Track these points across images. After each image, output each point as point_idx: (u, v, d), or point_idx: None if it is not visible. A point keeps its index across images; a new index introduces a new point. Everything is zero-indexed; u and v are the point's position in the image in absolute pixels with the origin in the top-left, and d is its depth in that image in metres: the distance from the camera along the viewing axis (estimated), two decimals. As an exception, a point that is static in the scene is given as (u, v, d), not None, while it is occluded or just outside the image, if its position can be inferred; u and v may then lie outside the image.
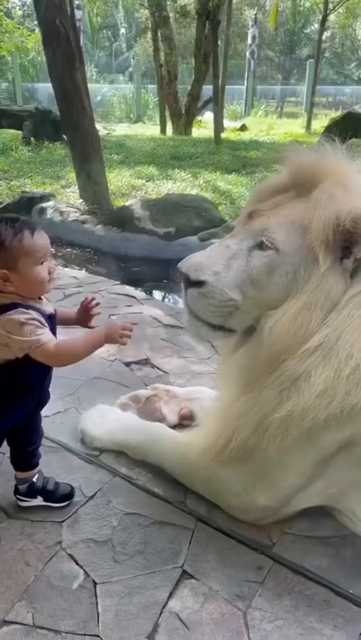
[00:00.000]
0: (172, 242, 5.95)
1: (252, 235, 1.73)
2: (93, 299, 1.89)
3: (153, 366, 3.04)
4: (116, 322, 1.75)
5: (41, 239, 1.63)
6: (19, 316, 1.58)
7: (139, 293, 4.17)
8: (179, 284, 1.84)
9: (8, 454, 2.20)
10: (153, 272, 5.70)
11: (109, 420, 2.40)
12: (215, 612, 1.66)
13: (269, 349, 1.64)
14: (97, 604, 1.68)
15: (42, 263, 1.63)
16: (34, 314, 1.61)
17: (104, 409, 2.47)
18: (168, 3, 15.94)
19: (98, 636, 1.58)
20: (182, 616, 1.64)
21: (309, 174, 1.71)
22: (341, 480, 1.86)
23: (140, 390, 2.68)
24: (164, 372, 3.00)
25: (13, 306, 1.59)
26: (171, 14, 16.41)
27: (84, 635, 1.58)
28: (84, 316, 1.88)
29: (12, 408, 1.77)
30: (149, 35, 19.51)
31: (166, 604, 1.68)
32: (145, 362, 3.08)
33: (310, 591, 1.73)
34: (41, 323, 1.61)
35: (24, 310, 1.59)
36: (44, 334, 1.60)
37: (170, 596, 1.70)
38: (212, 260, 1.73)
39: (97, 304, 1.90)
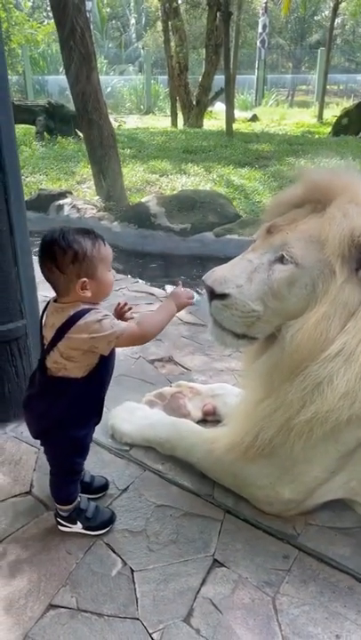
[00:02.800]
0: (187, 238, 6.05)
1: (273, 249, 1.83)
2: (126, 304, 1.99)
3: (176, 364, 3.16)
4: (177, 292, 1.90)
5: (109, 247, 1.75)
6: (93, 316, 1.65)
7: (158, 291, 4.28)
8: (203, 294, 1.95)
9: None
10: (170, 268, 5.80)
11: (137, 417, 2.52)
12: (246, 597, 1.78)
13: (291, 356, 1.75)
14: (135, 589, 1.80)
15: (110, 270, 1.75)
16: (104, 311, 1.70)
17: (132, 406, 2.59)
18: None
19: (138, 619, 1.70)
20: (215, 601, 1.76)
21: (324, 191, 1.82)
22: (362, 474, 1.97)
23: (165, 387, 2.80)
24: (187, 369, 3.11)
25: (85, 310, 1.67)
26: (182, 5, 16.35)
27: (125, 618, 1.71)
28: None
29: (92, 417, 1.91)
30: (159, 25, 19.50)
31: (200, 590, 1.80)
32: (168, 359, 3.20)
33: (334, 578, 1.85)
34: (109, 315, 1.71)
35: (96, 310, 1.68)
36: (122, 323, 1.70)
37: (203, 583, 1.82)
38: (234, 274, 1.84)
39: (130, 309, 2.00)
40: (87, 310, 1.67)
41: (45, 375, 1.77)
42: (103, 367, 1.80)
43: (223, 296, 1.83)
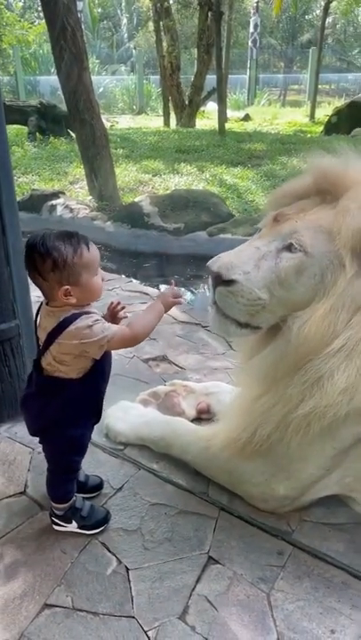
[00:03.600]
0: (181, 237, 6.06)
1: (281, 237, 1.80)
2: (119, 303, 1.98)
3: (170, 362, 3.16)
4: (165, 292, 1.85)
5: (95, 251, 1.69)
6: (83, 322, 1.63)
7: (152, 290, 4.28)
8: (207, 281, 1.92)
9: (38, 449, 2.34)
10: (164, 268, 5.81)
11: (132, 416, 2.52)
12: (241, 593, 1.79)
13: (297, 349, 1.73)
14: (130, 587, 1.80)
15: (97, 274, 1.70)
16: (95, 315, 1.67)
17: (126, 405, 2.59)
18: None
19: (133, 617, 1.71)
20: (210, 598, 1.77)
21: (335, 182, 1.79)
22: (356, 470, 1.98)
23: (159, 386, 2.80)
24: (181, 367, 3.11)
25: (75, 316, 1.64)
26: (173, 5, 16.36)
27: (121, 616, 1.71)
28: (111, 320, 1.97)
29: (90, 416, 1.90)
30: (151, 25, 19.50)
31: (195, 587, 1.80)
32: (162, 358, 3.20)
33: (329, 574, 1.85)
34: (104, 318, 1.70)
35: (86, 315, 1.65)
36: (112, 327, 1.67)
37: (198, 580, 1.83)
38: (242, 260, 1.80)
39: (122, 308, 1.99)
40: (77, 315, 1.64)
41: (41, 375, 1.76)
42: (98, 369, 1.79)
43: (229, 282, 1.78)
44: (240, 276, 1.78)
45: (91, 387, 1.81)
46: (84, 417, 1.87)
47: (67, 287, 1.64)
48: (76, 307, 1.68)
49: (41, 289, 1.70)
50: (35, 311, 1.84)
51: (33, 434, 1.92)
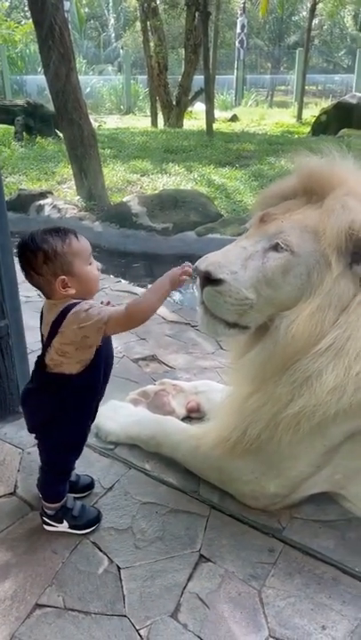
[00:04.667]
0: (169, 237, 6.06)
1: (268, 237, 1.82)
2: (109, 302, 1.99)
3: (160, 362, 3.16)
4: (174, 269, 1.74)
5: (84, 240, 1.72)
6: (80, 307, 1.64)
7: (141, 290, 4.27)
8: (195, 281, 1.92)
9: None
10: (152, 268, 5.81)
11: (122, 415, 2.52)
12: (232, 591, 1.79)
13: (285, 349, 1.75)
14: (122, 586, 1.80)
15: (91, 263, 1.72)
16: (92, 302, 1.69)
17: (116, 404, 2.59)
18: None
19: (125, 616, 1.70)
20: (202, 596, 1.77)
21: (321, 182, 1.81)
22: (346, 467, 2.00)
23: (149, 386, 2.80)
24: (171, 367, 3.12)
25: (73, 304, 1.66)
26: (160, 5, 16.36)
27: (112, 615, 1.71)
28: None
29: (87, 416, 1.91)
30: (138, 25, 19.47)
31: (186, 585, 1.81)
32: (152, 358, 3.20)
33: (319, 570, 1.87)
34: (100, 303, 1.70)
35: (85, 302, 1.67)
36: (109, 307, 1.68)
37: (189, 578, 1.83)
38: (229, 260, 1.81)
39: (108, 303, 1.99)
40: (76, 303, 1.67)
41: (43, 371, 1.78)
42: (98, 367, 1.80)
43: (217, 282, 1.79)
44: (227, 275, 1.79)
45: (90, 385, 1.82)
46: (81, 415, 1.88)
47: (62, 277, 1.66)
48: (76, 298, 1.69)
49: (39, 287, 1.72)
50: (23, 312, 1.84)
51: (31, 430, 1.92)
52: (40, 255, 1.64)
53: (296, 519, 2.06)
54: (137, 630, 1.66)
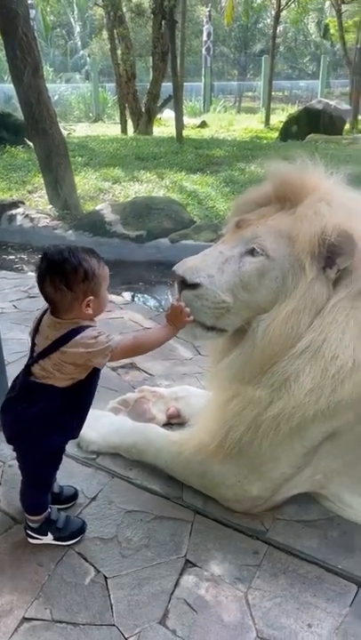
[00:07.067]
0: (143, 244, 6.08)
1: (244, 242, 1.87)
2: None
3: (139, 370, 3.17)
4: (175, 310, 1.78)
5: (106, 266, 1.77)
6: (90, 332, 1.68)
7: (117, 298, 4.29)
8: (171, 287, 1.96)
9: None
10: (127, 275, 5.81)
11: (103, 425, 2.52)
12: (219, 594, 1.81)
13: (263, 351, 1.79)
14: (109, 596, 1.81)
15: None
16: (100, 328, 1.72)
17: (97, 414, 2.58)
18: (123, 2, 15.93)
19: (114, 625, 1.71)
20: (189, 601, 1.79)
21: (294, 189, 1.87)
22: (326, 467, 2.04)
23: (128, 394, 2.81)
24: (150, 374, 3.13)
25: (82, 328, 1.69)
26: (126, 13, 16.42)
27: (101, 625, 1.71)
28: None
29: (72, 427, 1.91)
30: (105, 33, 19.49)
31: (173, 591, 1.82)
32: (131, 366, 3.21)
33: (303, 570, 1.90)
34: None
35: (93, 327, 1.71)
36: (117, 336, 1.72)
37: (176, 584, 1.84)
38: (206, 264, 1.86)
39: None
40: (85, 327, 1.70)
41: (28, 379, 1.78)
42: (85, 384, 1.81)
43: (194, 286, 1.84)
44: (204, 279, 1.84)
45: (74, 399, 1.83)
46: (61, 428, 1.87)
47: (90, 297, 1.70)
48: (85, 320, 1.73)
49: (59, 302, 1.72)
50: None
51: (9, 441, 1.91)
52: (80, 272, 1.67)
53: (279, 520, 2.10)
54: (126, 639, 1.67)
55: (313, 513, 2.13)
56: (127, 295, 5.15)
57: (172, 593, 1.81)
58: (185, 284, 1.87)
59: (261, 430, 1.88)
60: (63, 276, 1.67)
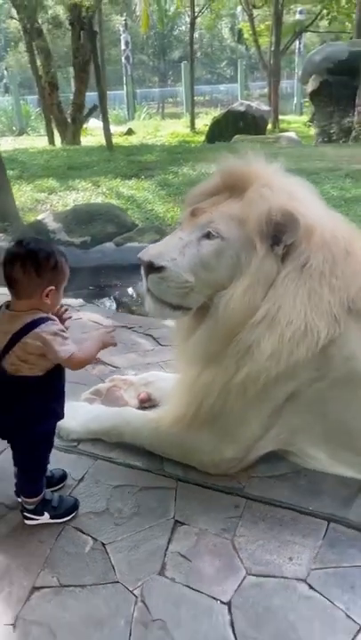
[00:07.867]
0: (89, 250, 6.20)
1: (200, 227, 2.10)
2: (67, 309, 2.12)
3: (105, 364, 3.32)
4: (100, 331, 2.04)
5: None
6: (50, 327, 1.79)
7: (73, 301, 4.40)
8: (139, 272, 2.15)
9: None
10: (75, 280, 5.89)
11: (81, 414, 2.66)
12: (209, 544, 2.02)
13: (225, 324, 2.02)
14: (110, 559, 1.97)
15: None
16: (59, 325, 1.84)
17: (74, 405, 2.71)
18: (39, 14, 15.91)
19: (118, 582, 1.88)
20: (183, 552, 1.98)
21: (241, 178, 2.12)
22: (290, 425, 2.28)
23: (100, 384, 2.97)
24: (116, 367, 3.29)
25: (42, 320, 1.80)
26: (43, 25, 16.41)
27: (106, 583, 1.88)
28: None
29: (58, 409, 2.03)
30: (22, 46, 19.38)
31: (168, 547, 2.01)
32: (96, 361, 3.35)
33: (280, 515, 2.14)
34: (64, 331, 1.85)
35: (52, 322, 1.82)
36: (70, 345, 1.82)
37: (169, 541, 2.03)
38: (168, 249, 2.08)
39: (65, 310, 2.14)
40: (45, 320, 1.81)
41: (5, 376, 1.88)
42: (58, 372, 1.94)
43: (159, 269, 2.05)
44: (168, 262, 2.06)
45: (52, 386, 1.97)
46: (49, 415, 2.01)
47: (52, 288, 1.83)
48: (42, 310, 1.84)
49: (22, 285, 1.81)
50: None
51: (1, 436, 2.03)
52: (52, 261, 1.81)
53: (253, 477, 2.32)
54: (131, 591, 1.84)
55: (283, 468, 2.36)
56: (80, 299, 5.26)
57: (166, 549, 2.00)
58: (151, 269, 2.07)
59: (231, 396, 2.10)
60: (35, 261, 1.79)
